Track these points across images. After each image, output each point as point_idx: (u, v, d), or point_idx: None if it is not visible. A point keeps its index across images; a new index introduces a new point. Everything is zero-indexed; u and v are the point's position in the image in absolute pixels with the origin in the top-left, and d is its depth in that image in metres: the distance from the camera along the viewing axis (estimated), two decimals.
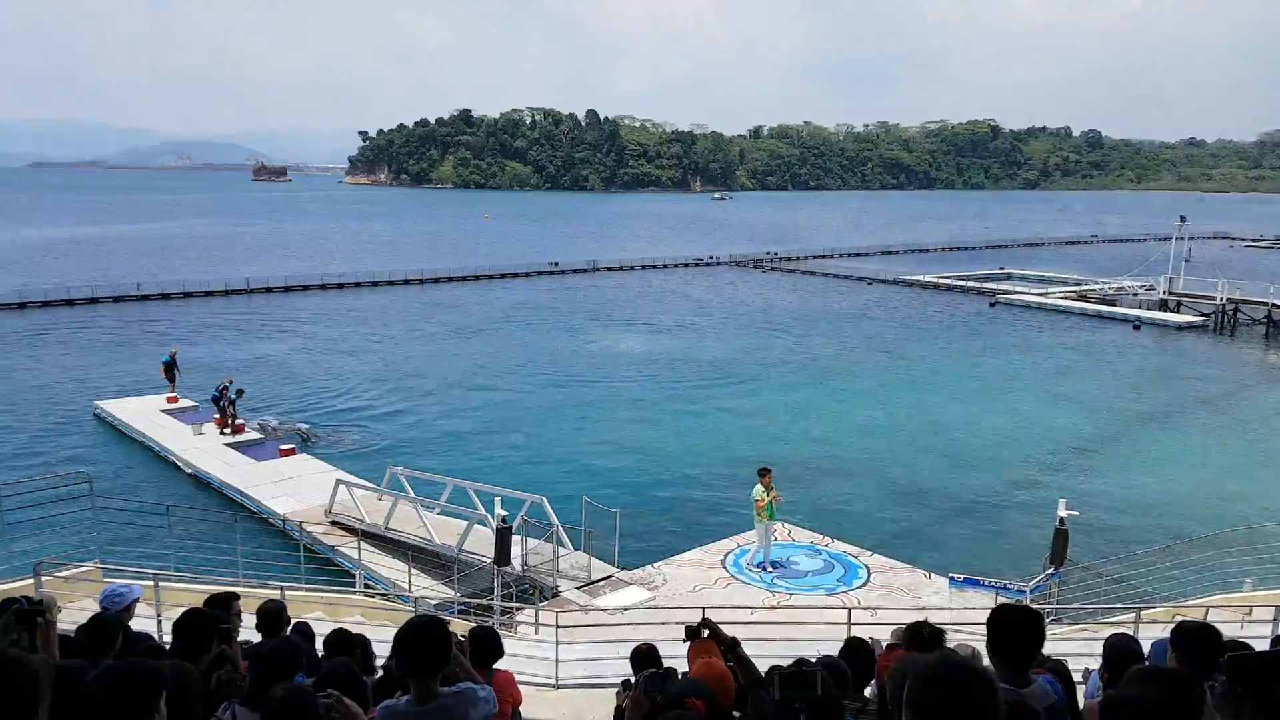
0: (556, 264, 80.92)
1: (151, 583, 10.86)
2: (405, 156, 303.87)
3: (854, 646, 5.83)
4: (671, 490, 25.08)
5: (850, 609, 13.56)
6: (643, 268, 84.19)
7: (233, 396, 28.60)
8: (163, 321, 51.30)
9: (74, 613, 9.22)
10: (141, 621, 6.66)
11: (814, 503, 18.29)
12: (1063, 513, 17.55)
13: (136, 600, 6.41)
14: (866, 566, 18.00)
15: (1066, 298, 63.19)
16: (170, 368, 32.28)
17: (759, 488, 17.53)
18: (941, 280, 73.44)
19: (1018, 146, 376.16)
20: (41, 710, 2.88)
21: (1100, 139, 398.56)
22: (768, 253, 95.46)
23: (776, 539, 19.26)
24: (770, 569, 17.71)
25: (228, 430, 27.87)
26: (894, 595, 16.68)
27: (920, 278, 74.82)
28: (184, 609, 5.40)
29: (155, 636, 6.55)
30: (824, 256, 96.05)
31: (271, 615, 6.36)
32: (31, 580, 11.02)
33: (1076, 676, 5.62)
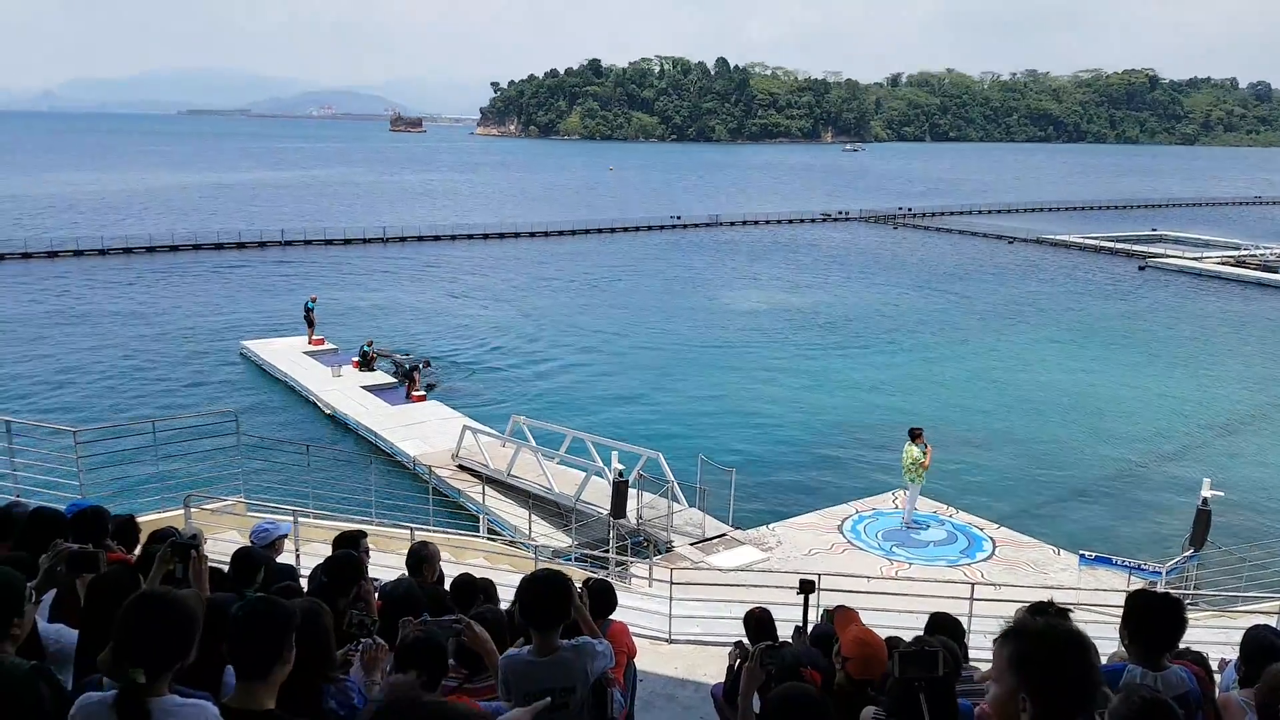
0: (679, 218, 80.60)
1: (291, 518, 11.54)
2: (534, 107, 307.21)
3: (940, 623, 5.67)
4: (790, 451, 24.90)
5: (973, 583, 13.13)
6: (768, 223, 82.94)
7: (369, 352, 30.22)
8: (306, 265, 54.03)
9: (219, 544, 9.92)
10: (282, 555, 7.07)
11: (940, 471, 17.82)
12: (1206, 492, 16.49)
13: (284, 537, 6.80)
14: (991, 539, 17.47)
15: (1223, 263, 58.87)
16: (309, 313, 33.97)
17: (914, 448, 17.25)
18: (1088, 240, 69.43)
19: (1177, 99, 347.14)
20: (194, 639, 3.10)
21: (1270, 91, 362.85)
22: (901, 208, 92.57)
23: (895, 505, 18.94)
24: (915, 528, 17.71)
25: (417, 392, 27.70)
26: (1019, 571, 16.12)
27: (1065, 238, 70.96)
28: (320, 544, 5.69)
29: (296, 569, 6.95)
30: (962, 213, 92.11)
31: (419, 557, 6.56)
32: (181, 511, 11.88)
33: (1213, 665, 5.29)
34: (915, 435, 17.42)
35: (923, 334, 39.67)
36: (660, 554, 16.66)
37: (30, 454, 12.12)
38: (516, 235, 70.43)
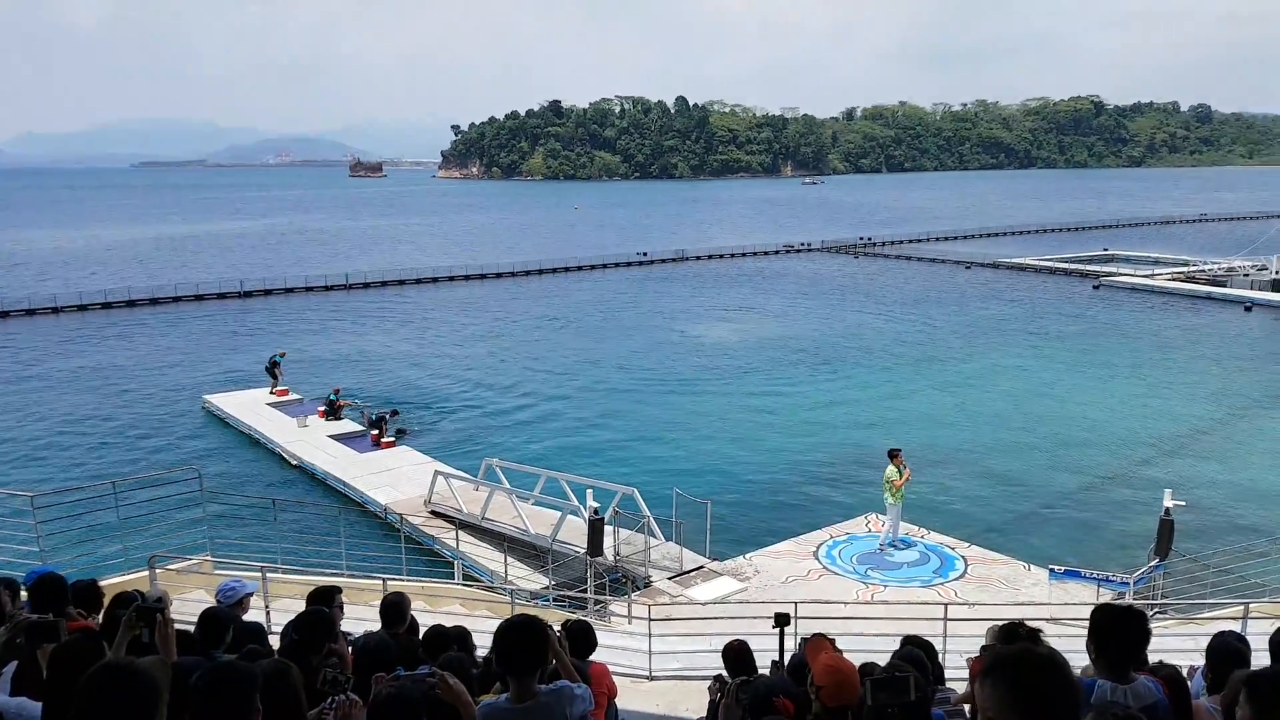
0: (645, 254, 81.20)
1: (259, 574, 11.33)
2: (496, 149, 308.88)
3: (916, 644, 5.70)
4: (763, 481, 24.92)
5: (946, 603, 13.22)
6: (732, 255, 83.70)
7: (336, 401, 30.22)
8: (266, 315, 53.55)
9: (186, 604, 9.71)
10: (250, 612, 6.93)
11: (910, 492, 17.93)
12: (1168, 503, 16.76)
13: (250, 595, 6.68)
14: (963, 558, 17.59)
15: (1174, 279, 60.39)
16: (275, 366, 33.65)
17: (891, 468, 17.52)
18: (1043, 262, 70.92)
19: (1122, 123, 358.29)
20: (160, 710, 3.02)
21: (1210, 113, 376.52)
22: (861, 237, 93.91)
23: (869, 529, 19.00)
24: (897, 547, 17.78)
25: (386, 439, 27.53)
26: (992, 588, 16.23)
27: (1020, 260, 72.40)
28: (291, 599, 5.60)
29: (264, 627, 6.81)
30: (919, 240, 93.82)
31: (392, 608, 6.51)
32: (146, 573, 11.61)
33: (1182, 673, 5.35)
34: (892, 455, 17.65)
35: (888, 359, 40.10)
36: (639, 590, 16.56)
37: None
38: (483, 277, 70.42)
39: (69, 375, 38.80)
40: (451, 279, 69.07)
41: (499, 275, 71.10)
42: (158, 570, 11.69)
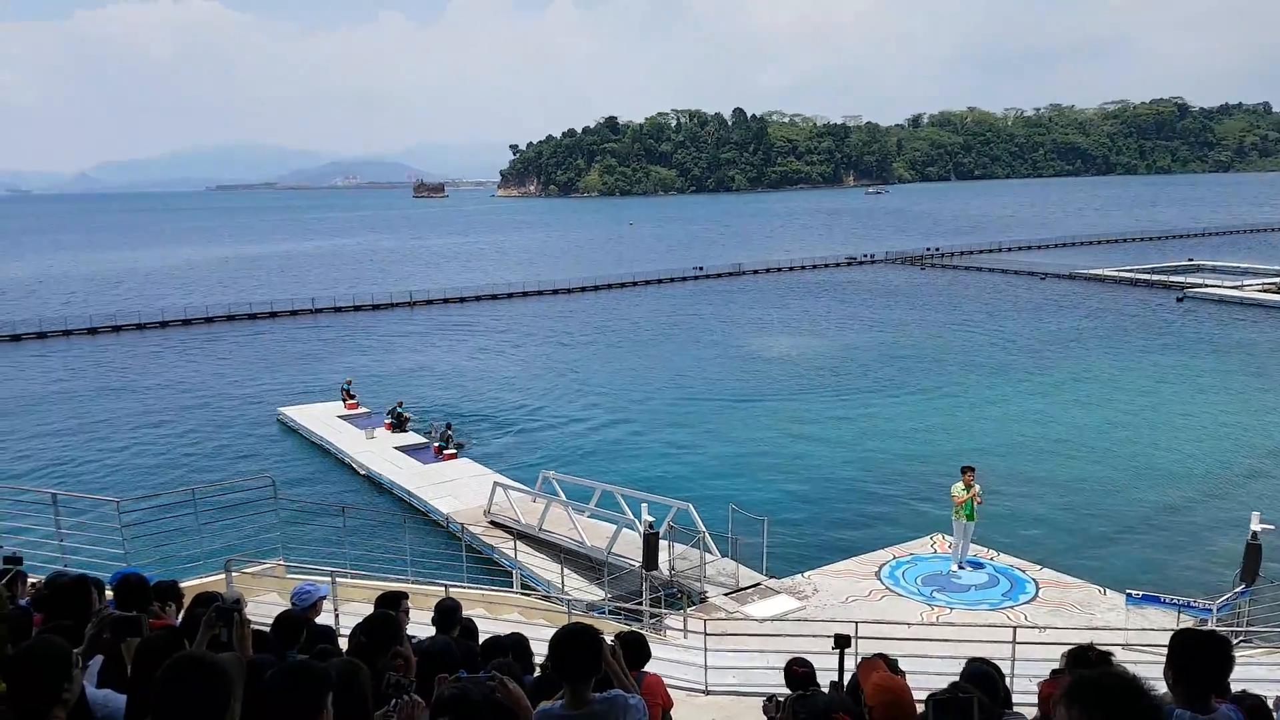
0: (701, 268, 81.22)
1: (329, 579, 11.64)
2: (553, 167, 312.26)
3: (976, 671, 5.59)
4: (824, 498, 24.70)
5: (1016, 626, 12.88)
6: (791, 269, 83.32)
7: (400, 414, 30.93)
8: (336, 331, 54.92)
9: (260, 606, 10.02)
10: (320, 615, 7.17)
11: (979, 512, 17.59)
12: (1256, 526, 16.10)
13: (323, 599, 6.88)
14: (1035, 581, 17.10)
15: (1265, 290, 57.60)
16: (345, 392, 34.82)
17: (959, 485, 17.19)
18: (1123, 273, 68.55)
19: (1208, 126, 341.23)
20: (235, 703, 3.16)
21: None
22: (928, 248, 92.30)
23: (934, 550, 18.67)
24: (964, 568, 17.42)
25: (448, 450, 28.15)
26: (1065, 612, 15.75)
27: (1099, 272, 70.22)
28: (358, 603, 5.77)
29: (335, 630, 7.02)
30: (991, 251, 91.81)
31: (446, 613, 6.69)
32: (222, 575, 12.01)
33: (1269, 703, 5.18)
34: (964, 472, 17.27)
35: (958, 374, 39.35)
36: (694, 605, 16.53)
37: (76, 524, 12.35)
38: (540, 293, 71.19)
39: (151, 389, 40.26)
40: (510, 296, 69.93)
41: (555, 292, 71.81)
42: (234, 573, 12.09)
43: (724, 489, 24.64)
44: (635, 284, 75.25)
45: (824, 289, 69.81)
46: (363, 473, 27.24)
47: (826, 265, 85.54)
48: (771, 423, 32.41)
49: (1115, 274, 68.91)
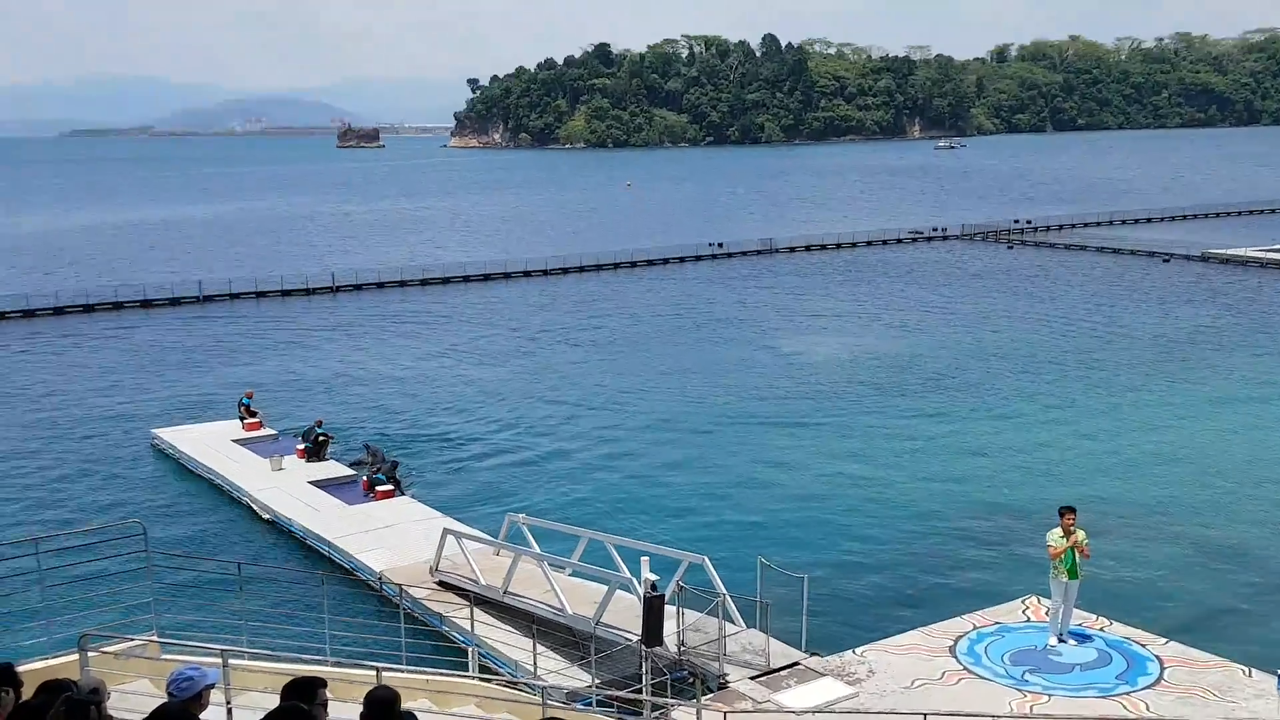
0: (720, 245, 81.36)
1: (219, 660, 11.56)
2: (525, 110, 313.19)
3: None
4: (881, 549, 24.66)
5: (1135, 718, 12.88)
6: (838, 246, 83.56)
7: (319, 435, 31.04)
8: (232, 326, 54.93)
9: (127, 697, 9.96)
10: (209, 709, 7.09)
11: (1084, 567, 17.61)
12: None
13: (210, 687, 6.79)
14: (1158, 658, 17.12)
15: None
16: (245, 409, 34.83)
17: (1056, 531, 17.14)
18: (1272, 254, 68.93)
19: None
20: None
21: None
22: (1016, 220, 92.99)
23: (1027, 618, 18.65)
24: (1065, 641, 17.42)
25: (383, 486, 28.53)
26: (1197, 700, 15.77)
27: (1240, 252, 70.59)
28: (259, 693, 5.71)
29: None
30: (1099, 224, 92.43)
31: (379, 705, 6.61)
32: (76, 655, 11.90)
33: None
34: (1063, 514, 17.23)
35: (1055, 385, 39.48)
36: (711, 692, 16.49)
37: None
38: (507, 276, 71.30)
39: None
40: (467, 279, 69.96)
41: (528, 274, 71.90)
42: (91, 653, 11.99)
43: (750, 537, 24.57)
44: (633, 265, 75.24)
45: (880, 273, 69.98)
46: (266, 516, 27.18)
47: (884, 242, 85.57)
48: (812, 449, 32.38)
49: (1262, 254, 69.27)
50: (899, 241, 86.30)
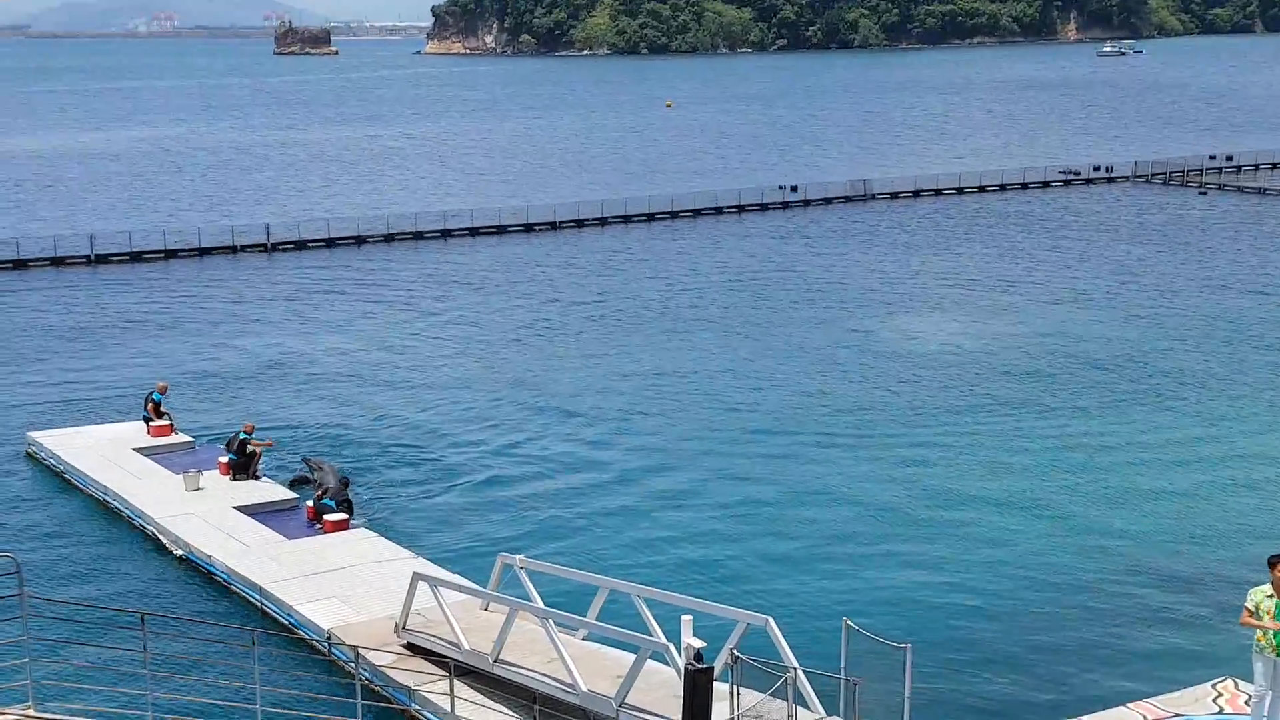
0: (795, 189, 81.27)
1: None
2: (528, 4, 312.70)
3: None
4: (1013, 609, 24.62)
5: None
6: (958, 191, 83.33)
7: (251, 448, 31.18)
8: (132, 294, 55.40)
9: None
10: None
11: None
12: None
13: None
14: None
15: None
16: (155, 406, 34.97)
17: (1261, 590, 16.68)
18: None
19: None
20: None
21: None
22: (1213, 156, 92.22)
23: (1220, 707, 18.55)
24: None
25: (332, 516, 28.70)
26: None
27: None
28: None
29: None
30: None
31: None
32: None
33: None
34: (1273, 565, 16.84)
35: (1265, 384, 39.30)
36: None
37: None
38: (502, 230, 71.61)
39: None
40: (449, 234, 70.33)
41: (532, 228, 72.26)
42: None
43: (830, 590, 24.62)
44: (674, 216, 75.33)
45: (1019, 227, 69.65)
46: (178, 552, 27.32)
47: (1024, 185, 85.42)
48: (917, 474, 32.33)
49: None
50: (1045, 185, 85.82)
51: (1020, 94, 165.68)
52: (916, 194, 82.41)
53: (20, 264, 62.02)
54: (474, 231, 71.02)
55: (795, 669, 18.06)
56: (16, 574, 14.30)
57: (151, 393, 35.55)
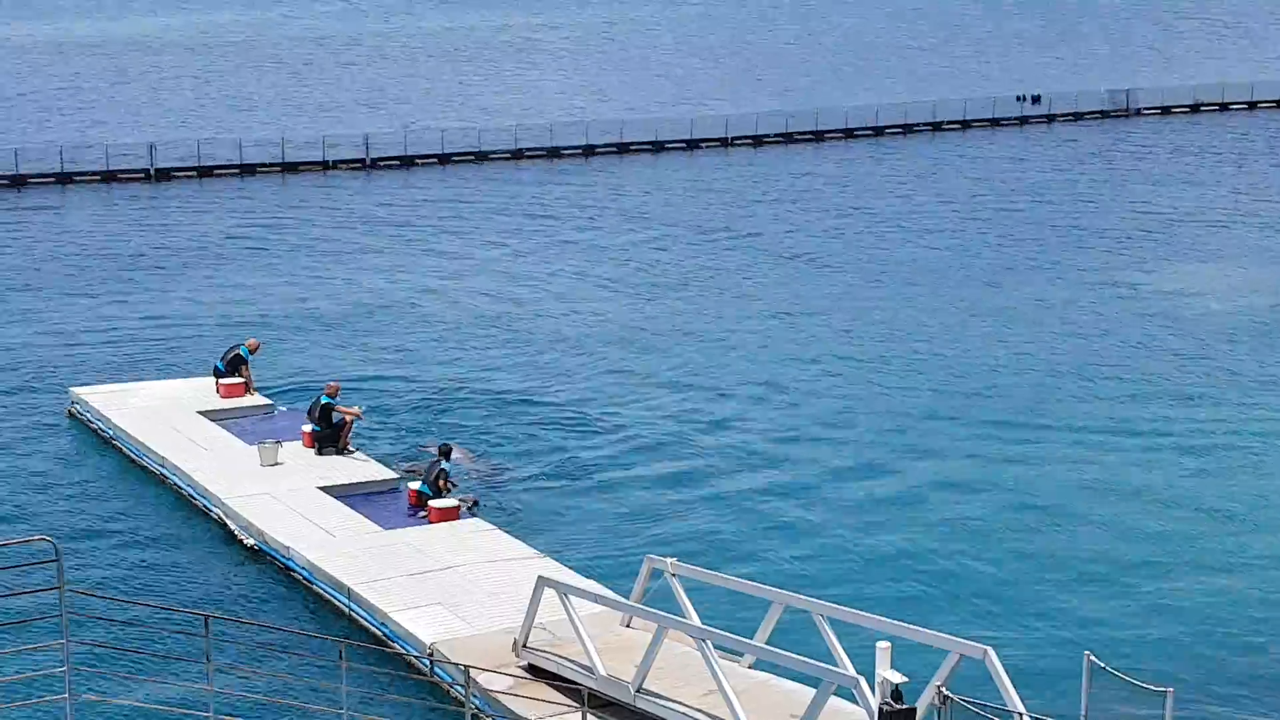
0: (1037, 100, 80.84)
1: None
2: None
3: None
4: None
5: None
6: (1250, 106, 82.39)
7: (337, 414, 31.60)
8: (200, 217, 56.52)
9: None
10: None
11: None
12: None
13: None
14: None
15: None
16: (243, 365, 35.23)
17: None
18: None
19: None
20: None
21: None
22: None
23: None
24: None
25: (441, 501, 29.00)
26: None
27: None
28: None
29: None
30: None
31: None
32: None
33: None
34: None
35: None
36: None
37: None
38: (659, 147, 72.22)
39: None
40: (590, 152, 71.14)
41: (696, 144, 72.65)
42: None
43: (1067, 619, 24.45)
44: (880, 131, 75.28)
45: None
46: (249, 541, 27.78)
47: None
48: (1189, 472, 32.02)
49: None
50: None
51: None
52: (1195, 108, 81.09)
53: (64, 178, 63.62)
54: (620, 148, 71.52)
55: (1021, 714, 18.00)
56: (55, 562, 14.55)
57: (238, 346, 35.73)
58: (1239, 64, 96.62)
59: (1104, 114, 79.73)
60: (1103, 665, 18.75)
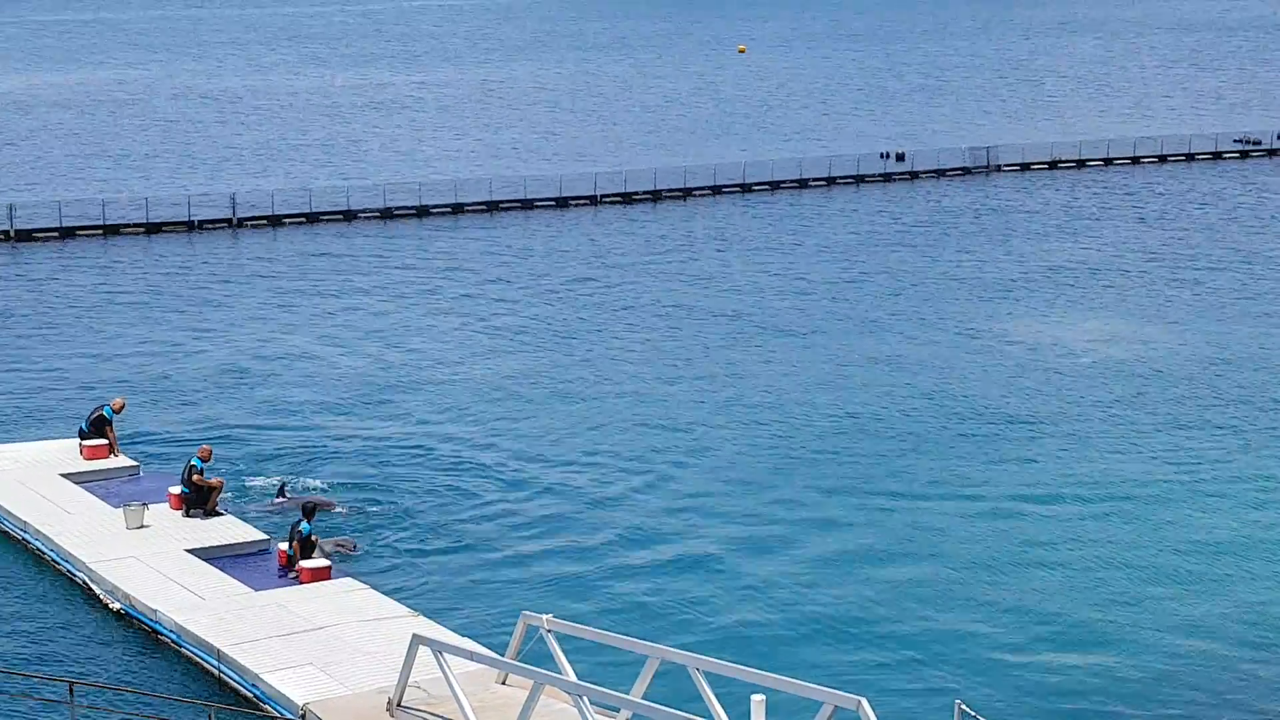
0: (902, 158, 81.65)
1: None
2: None
3: None
4: (1182, 683, 24.55)
5: None
6: (1106, 163, 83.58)
7: (202, 475, 30.98)
8: (68, 276, 55.65)
9: None
10: None
11: None
12: None
13: None
14: None
15: None
16: (106, 425, 34.73)
17: None
18: None
19: None
20: None
21: None
22: None
23: None
24: None
25: (309, 561, 28.70)
26: None
27: None
28: None
29: None
30: None
31: None
32: None
33: None
34: None
35: None
36: None
37: None
38: (528, 206, 72.23)
39: None
40: (458, 210, 70.91)
41: (566, 202, 72.80)
42: None
43: (937, 664, 24.52)
44: (747, 189, 75.74)
45: (1181, 206, 69.72)
46: (115, 605, 27.33)
47: (1189, 156, 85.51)
48: (1045, 514, 32.33)
49: None
50: (1217, 156, 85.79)
51: (1196, 38, 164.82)
52: (1053, 165, 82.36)
53: None
54: (492, 207, 71.55)
55: None
56: None
57: (103, 406, 35.26)
58: (1097, 119, 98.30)
59: (966, 170, 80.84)
60: (973, 713, 18.87)
